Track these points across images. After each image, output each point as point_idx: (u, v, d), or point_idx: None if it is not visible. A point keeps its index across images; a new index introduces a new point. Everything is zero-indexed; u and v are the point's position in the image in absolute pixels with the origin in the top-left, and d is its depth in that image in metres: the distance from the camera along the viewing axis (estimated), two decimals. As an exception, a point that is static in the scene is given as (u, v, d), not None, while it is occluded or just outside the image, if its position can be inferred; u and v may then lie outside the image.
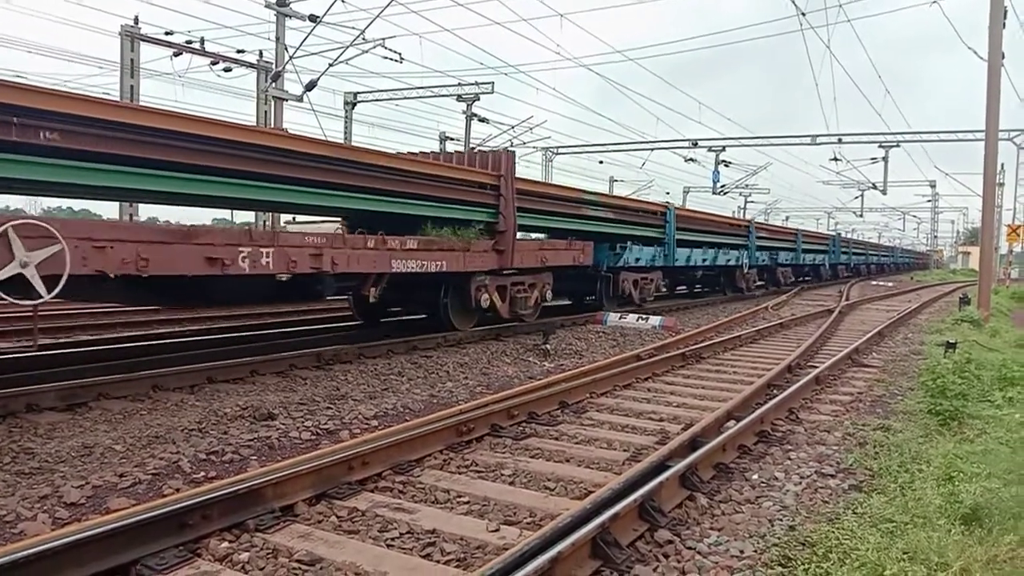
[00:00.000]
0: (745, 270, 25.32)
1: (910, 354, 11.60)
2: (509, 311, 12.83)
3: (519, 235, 13.18)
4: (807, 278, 36.91)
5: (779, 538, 4.06)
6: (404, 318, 13.72)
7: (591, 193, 16.16)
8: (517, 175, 12.92)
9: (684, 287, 25.23)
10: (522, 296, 13.23)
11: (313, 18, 21.28)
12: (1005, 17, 17.01)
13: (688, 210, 23.33)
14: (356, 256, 9.38)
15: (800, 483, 5.10)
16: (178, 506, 3.89)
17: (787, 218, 71.52)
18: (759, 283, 28.38)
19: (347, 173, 9.56)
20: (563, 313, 15.99)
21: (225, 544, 3.89)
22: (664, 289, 20.84)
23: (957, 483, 4.53)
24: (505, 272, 12.66)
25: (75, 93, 7.46)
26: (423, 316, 12.88)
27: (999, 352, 11.09)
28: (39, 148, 6.41)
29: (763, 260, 27.62)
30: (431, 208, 11.15)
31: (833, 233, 44.99)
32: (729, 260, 24.04)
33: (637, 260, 17.52)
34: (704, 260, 22.08)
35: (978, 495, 4.27)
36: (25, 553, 3.28)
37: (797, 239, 32.82)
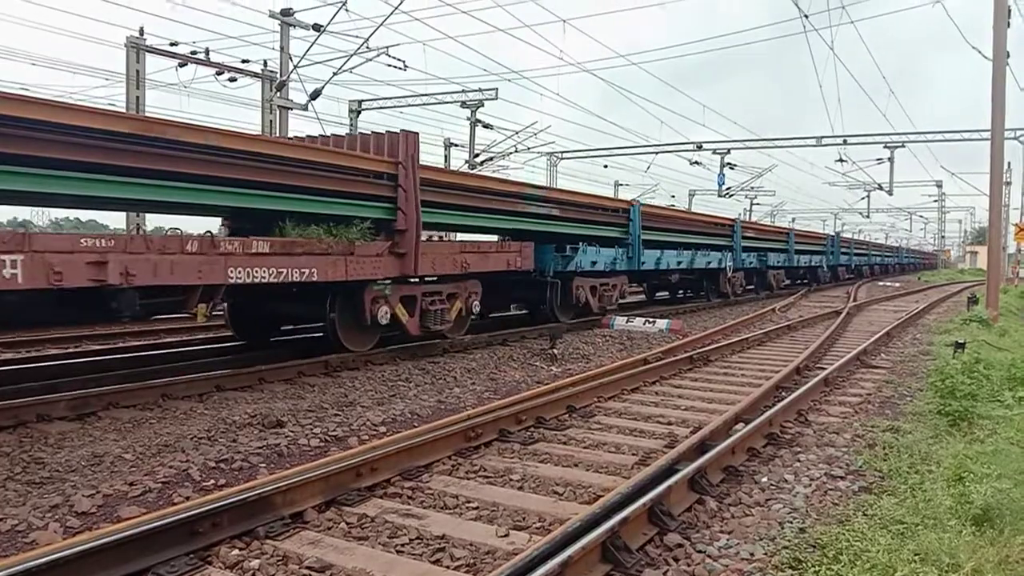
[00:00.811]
0: (729, 273, 23.31)
1: (919, 355, 11.56)
2: (420, 327, 10.68)
3: (450, 236, 13.17)
4: (803, 281, 35.18)
5: (789, 540, 4.05)
6: (299, 336, 11.87)
7: (532, 186, 13.88)
8: (431, 165, 11.34)
9: (666, 293, 23.95)
10: (437, 309, 10.95)
11: (317, 27, 21.37)
12: (1009, 16, 16.96)
13: (657, 207, 20.58)
14: (168, 264, 7.27)
15: (810, 485, 5.08)
16: (188, 514, 3.90)
17: (793, 220, 71.38)
18: (748, 287, 26.78)
19: (144, 155, 7.19)
20: (518, 325, 14.39)
21: (235, 552, 3.90)
22: (627, 296, 18.39)
23: (968, 484, 4.51)
24: (413, 280, 10.75)
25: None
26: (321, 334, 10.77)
27: (1008, 352, 11.03)
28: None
29: (750, 262, 25.66)
30: (299, 203, 8.92)
31: (831, 232, 41.89)
32: (710, 262, 22.04)
33: (593, 264, 15.38)
34: (679, 263, 20.01)
35: (989, 496, 4.25)
36: (37, 563, 3.30)
37: (789, 239, 30.95)
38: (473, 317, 12.18)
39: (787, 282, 31.14)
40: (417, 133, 10.44)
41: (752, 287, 27.25)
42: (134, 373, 8.60)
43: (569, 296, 14.87)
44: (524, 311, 16.31)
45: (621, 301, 17.82)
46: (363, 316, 9.79)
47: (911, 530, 4.07)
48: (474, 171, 13.32)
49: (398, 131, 10.18)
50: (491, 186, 12.78)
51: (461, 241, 12.87)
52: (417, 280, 10.85)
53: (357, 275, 9.45)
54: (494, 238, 14.50)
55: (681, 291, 23.79)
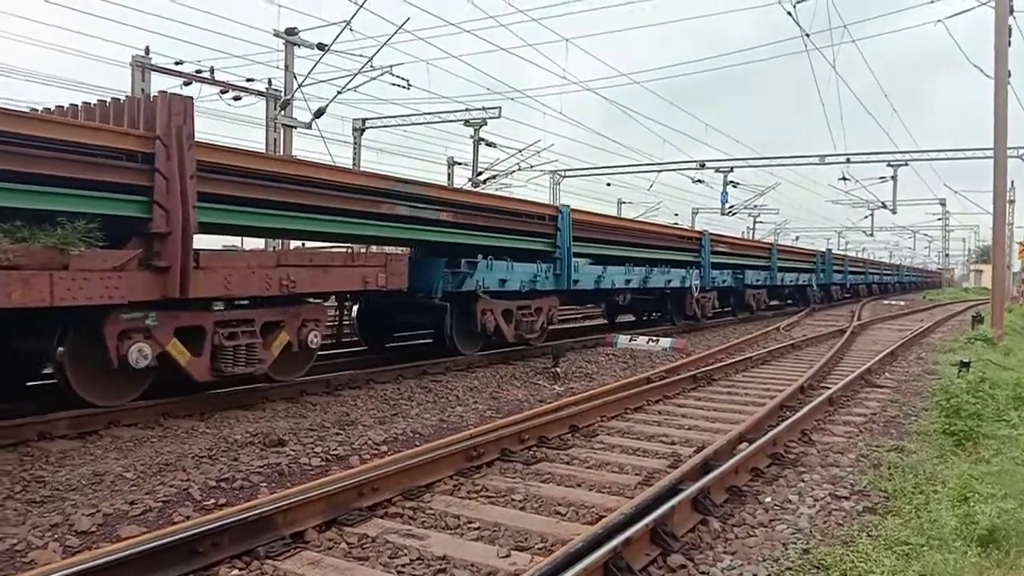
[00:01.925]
0: (696, 293, 20.04)
1: (923, 374, 11.51)
2: (211, 370, 7.86)
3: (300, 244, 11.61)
4: (790, 302, 31.77)
5: (793, 562, 4.02)
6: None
7: (406, 182, 10.59)
8: (221, 145, 8.63)
9: (631, 315, 21.04)
10: (243, 345, 8.06)
11: (321, 46, 21.54)
12: (1010, 35, 17.04)
13: (596, 214, 17.09)
14: None
15: (814, 506, 5.05)
16: (188, 534, 3.89)
17: (797, 238, 71.30)
18: (724, 308, 24.71)
19: None
20: (420, 358, 11.57)
21: (235, 572, 3.88)
22: (556, 321, 14.89)
23: (973, 504, 4.48)
24: (193, 307, 7.72)
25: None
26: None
27: (1014, 371, 10.98)
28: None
29: (724, 280, 22.68)
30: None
31: (822, 249, 38.21)
32: (671, 281, 18.87)
33: (503, 282, 12.34)
34: (628, 281, 16.94)
35: (994, 516, 4.22)
36: (35, 582, 3.27)
37: (771, 255, 27.57)
38: (315, 350, 9.20)
39: (770, 303, 28.05)
40: (190, 98, 7.73)
41: (729, 308, 25.13)
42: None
43: (472, 322, 11.82)
44: (429, 340, 13.07)
45: (552, 327, 14.71)
46: (108, 356, 6.95)
47: (916, 551, 4.04)
48: (307, 161, 10.25)
49: (170, 93, 7.48)
50: (329, 178, 9.31)
51: (280, 251, 9.50)
52: (220, 306, 7.93)
53: (74, 299, 6.49)
54: (399, 249, 12.82)
55: (652, 313, 20.76)
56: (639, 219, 21.09)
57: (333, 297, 10.68)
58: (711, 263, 21.23)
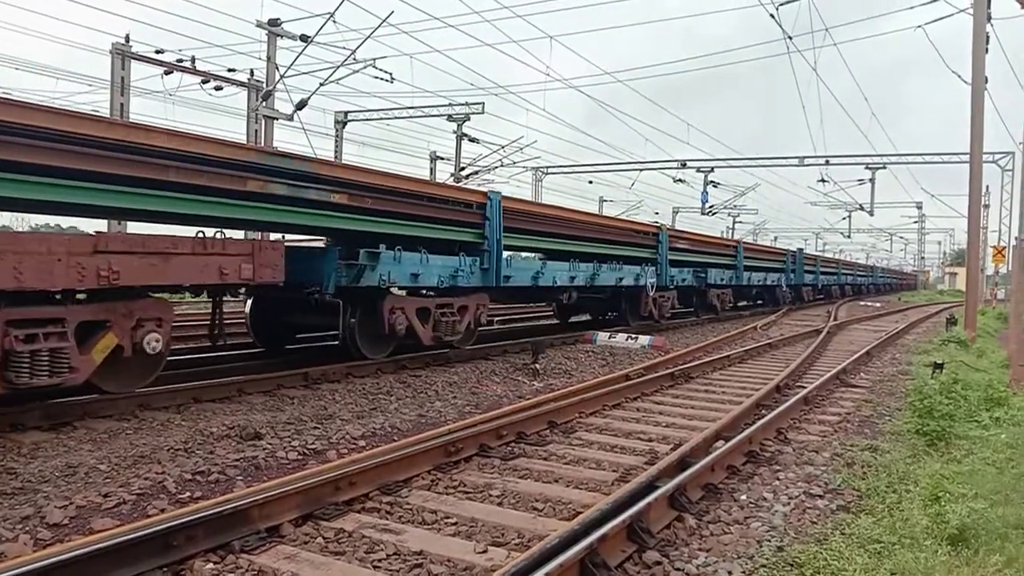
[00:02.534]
0: (651, 292, 18.70)
1: (897, 374, 11.65)
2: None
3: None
4: (758, 302, 30.95)
5: (767, 559, 4.06)
6: None
7: (283, 156, 9.23)
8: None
9: (588, 315, 19.91)
10: (43, 350, 6.52)
11: (304, 38, 21.40)
12: (988, 42, 17.27)
13: (535, 204, 15.57)
14: None
15: (788, 504, 5.10)
16: (163, 527, 3.85)
17: (775, 238, 71.88)
18: (686, 308, 23.55)
19: None
20: (321, 362, 10.20)
21: (210, 566, 3.85)
22: (486, 320, 13.49)
23: (944, 503, 4.54)
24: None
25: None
26: None
27: (986, 372, 11.15)
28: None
29: (683, 279, 21.33)
30: None
31: (792, 248, 37.05)
32: (623, 278, 17.48)
33: (416, 276, 10.84)
34: (573, 278, 15.44)
35: (965, 515, 4.29)
36: None
37: (737, 253, 26.31)
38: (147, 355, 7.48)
39: (732, 303, 26.37)
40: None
41: (691, 308, 23.91)
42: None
43: (378, 323, 10.37)
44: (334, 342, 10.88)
45: (484, 328, 13.56)
46: None
47: (888, 549, 4.10)
48: (136, 124, 7.99)
49: None
50: (169, 145, 7.55)
51: (101, 234, 7.34)
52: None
53: None
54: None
55: (609, 313, 19.40)
56: (587, 211, 18.51)
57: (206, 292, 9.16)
58: (669, 260, 19.92)
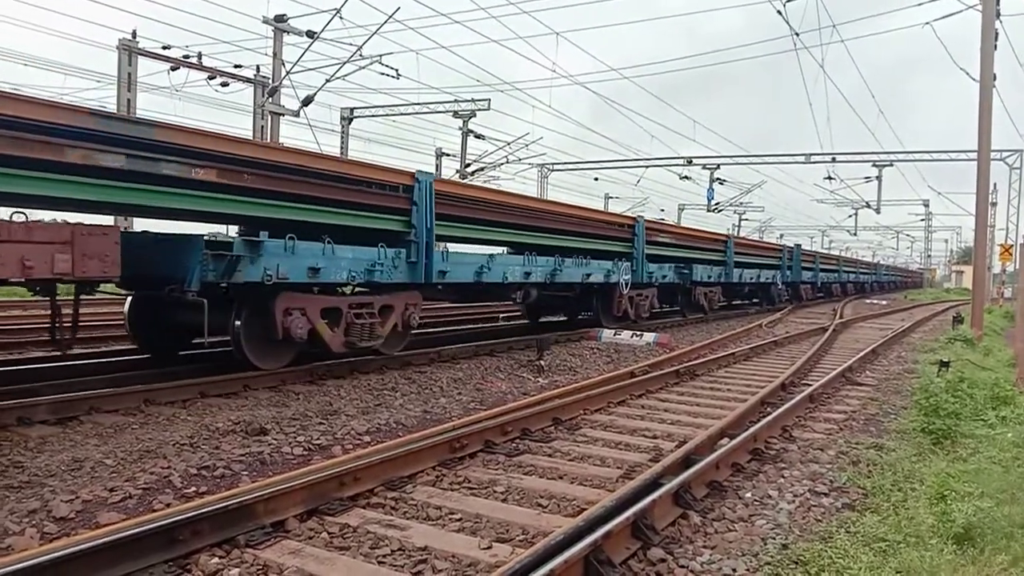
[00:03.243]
0: (624, 290, 17.03)
1: (903, 373, 11.62)
2: None
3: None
4: (752, 300, 29.47)
5: (772, 557, 4.05)
6: None
7: (118, 120, 7.76)
8: None
9: (563, 315, 18.38)
10: None
11: (311, 34, 21.42)
12: (996, 39, 17.18)
13: (478, 188, 13.83)
14: None
15: (793, 501, 5.09)
16: (168, 521, 3.87)
17: (781, 236, 71.81)
18: (669, 308, 22.18)
19: None
20: (209, 373, 8.78)
21: (215, 560, 3.86)
22: (417, 322, 11.17)
23: (950, 502, 4.54)
24: None
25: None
26: None
27: (992, 371, 11.11)
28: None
29: (664, 276, 19.64)
30: None
31: (789, 244, 34.97)
32: (591, 275, 15.73)
33: (316, 271, 8.99)
34: (528, 274, 13.55)
35: (971, 514, 4.28)
36: (11, 569, 3.25)
37: (727, 249, 24.22)
38: None
39: (723, 301, 24.78)
40: None
41: (677, 308, 22.34)
42: (117, 377, 8.51)
43: (268, 325, 8.78)
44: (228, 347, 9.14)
45: (416, 332, 11.54)
46: None
47: (893, 548, 4.09)
48: None
49: None
50: None
51: None
52: None
53: None
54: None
55: (583, 312, 17.88)
56: (546, 199, 17.05)
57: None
58: (647, 255, 18.16)
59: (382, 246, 10.07)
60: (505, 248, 14.58)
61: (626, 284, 17.03)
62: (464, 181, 14.11)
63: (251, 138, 10.94)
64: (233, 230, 9.92)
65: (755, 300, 29.60)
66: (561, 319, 18.46)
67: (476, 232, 12.58)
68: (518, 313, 19.39)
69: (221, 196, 8.14)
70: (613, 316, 17.13)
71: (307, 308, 9.12)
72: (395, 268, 10.30)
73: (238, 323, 8.74)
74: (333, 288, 9.94)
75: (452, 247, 13.07)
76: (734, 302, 27.82)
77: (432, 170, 34.05)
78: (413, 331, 11.30)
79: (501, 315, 20.21)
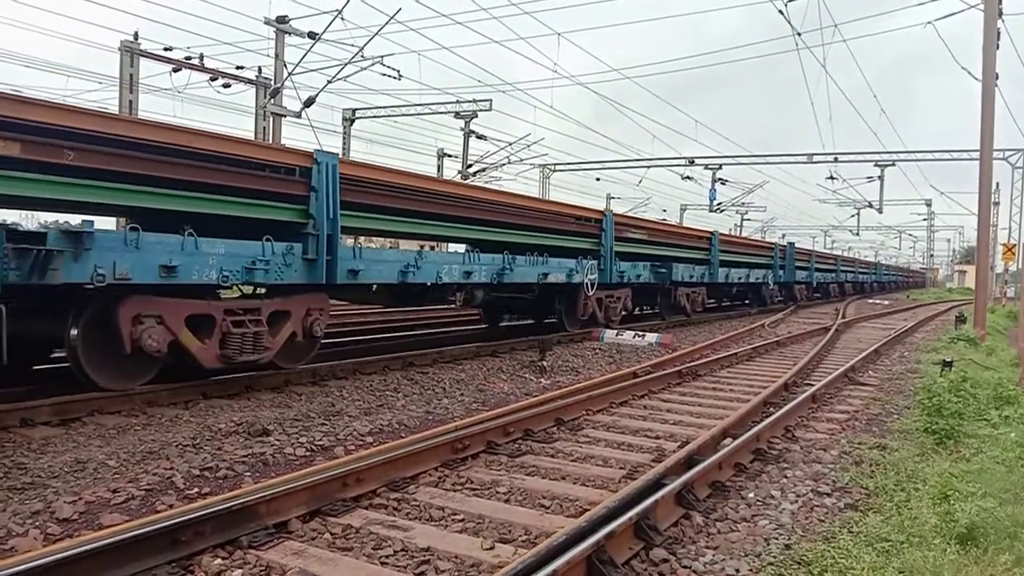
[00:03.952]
0: (590, 291, 15.24)
1: (906, 372, 11.60)
2: None
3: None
4: (744, 302, 28.18)
5: (775, 557, 4.05)
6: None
7: None
8: None
9: (529, 318, 16.73)
10: None
11: (312, 35, 21.43)
12: (999, 38, 17.17)
13: (402, 173, 11.33)
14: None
15: (796, 501, 5.08)
16: (171, 522, 3.87)
17: (783, 236, 71.70)
18: (648, 310, 20.91)
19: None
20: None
21: (218, 561, 3.87)
22: (322, 331, 9.39)
23: (953, 502, 4.53)
24: None
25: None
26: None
27: (995, 371, 11.10)
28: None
29: (637, 275, 17.90)
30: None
31: (782, 243, 33.32)
32: (547, 274, 13.85)
33: (172, 270, 7.37)
34: (469, 273, 11.86)
35: (974, 514, 4.27)
36: (14, 570, 3.25)
37: (712, 246, 22.62)
38: None
39: (720, 303, 23.10)
40: None
41: (657, 309, 20.86)
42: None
43: (113, 333, 7.21)
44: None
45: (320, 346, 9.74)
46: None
47: (896, 548, 4.08)
48: None
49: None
50: None
51: None
52: None
53: None
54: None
55: (551, 317, 15.91)
56: (491, 188, 14.22)
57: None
58: (617, 253, 16.52)
59: (268, 239, 8.29)
60: (466, 245, 13.45)
61: (592, 285, 15.28)
62: (383, 165, 11.42)
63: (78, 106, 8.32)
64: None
65: (746, 302, 28.40)
66: (527, 322, 16.81)
67: (401, 225, 10.89)
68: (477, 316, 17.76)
69: (25, 177, 6.35)
70: (578, 319, 15.53)
71: (165, 315, 7.51)
72: (286, 266, 8.56)
73: (74, 333, 7.13)
74: (209, 291, 8.15)
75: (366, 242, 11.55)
76: (724, 303, 26.98)
77: (434, 171, 34.08)
78: (324, 340, 9.78)
79: (448, 319, 18.57)
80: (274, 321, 8.71)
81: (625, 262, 17.20)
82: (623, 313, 17.55)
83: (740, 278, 25.48)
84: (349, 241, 10.96)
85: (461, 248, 13.75)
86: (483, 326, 16.97)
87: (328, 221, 8.90)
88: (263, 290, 8.98)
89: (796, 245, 34.04)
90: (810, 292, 35.60)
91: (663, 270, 19.29)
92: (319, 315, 9.31)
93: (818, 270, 36.55)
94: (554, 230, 14.49)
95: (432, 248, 12.49)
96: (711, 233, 23.36)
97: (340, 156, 9.23)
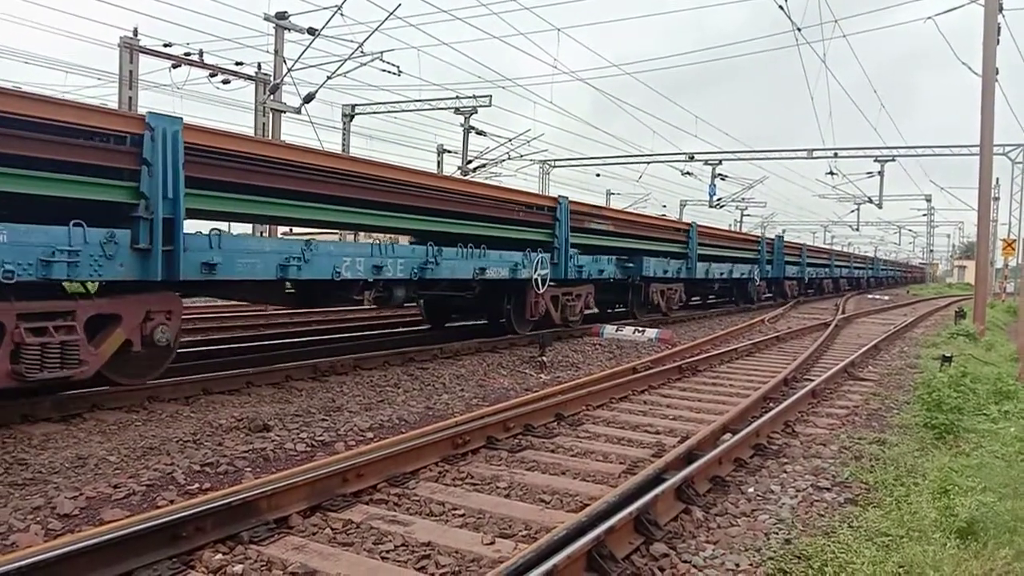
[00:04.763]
0: (540, 288, 13.30)
1: (906, 367, 11.61)
2: None
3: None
4: (729, 298, 26.92)
5: (775, 551, 4.05)
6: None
7: None
8: None
9: (483, 319, 15.00)
10: None
11: (312, 31, 21.43)
12: (999, 33, 17.15)
13: (272, 145, 10.33)
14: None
15: (796, 496, 5.09)
16: (172, 518, 3.87)
17: (783, 231, 71.72)
18: (614, 307, 19.23)
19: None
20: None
21: (219, 556, 3.88)
22: (170, 339, 7.56)
23: (953, 497, 4.53)
24: None
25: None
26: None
27: (994, 366, 11.11)
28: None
29: (601, 271, 16.04)
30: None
31: (770, 236, 31.37)
32: (486, 269, 11.96)
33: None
34: (379, 269, 9.85)
35: (974, 509, 4.27)
36: (16, 565, 3.26)
37: (690, 238, 20.67)
38: None
39: (681, 300, 20.91)
40: None
41: (623, 307, 19.07)
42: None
43: None
44: None
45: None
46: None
47: (896, 542, 4.09)
48: None
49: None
50: None
51: None
52: None
53: None
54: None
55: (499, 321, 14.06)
56: (411, 168, 10.80)
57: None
58: (575, 244, 14.71)
59: (78, 224, 6.55)
60: (411, 237, 12.07)
61: (543, 281, 13.38)
62: (249, 135, 10.13)
63: None
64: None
65: (731, 299, 27.09)
66: (480, 322, 15.10)
67: (274, 209, 8.73)
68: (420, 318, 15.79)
69: None
70: (526, 321, 13.62)
71: None
72: (107, 259, 6.79)
73: None
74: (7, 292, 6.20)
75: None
76: (710, 300, 25.81)
77: (434, 167, 34.05)
78: (179, 349, 8.19)
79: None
80: (98, 327, 7.02)
81: (585, 256, 15.47)
82: (584, 312, 15.70)
83: (722, 273, 23.81)
84: (252, 230, 9.15)
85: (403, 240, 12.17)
86: (424, 328, 15.07)
87: (166, 201, 7.13)
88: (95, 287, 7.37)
89: (784, 238, 32.55)
90: (801, 288, 34.25)
91: (631, 264, 17.47)
92: (165, 319, 7.47)
93: (810, 265, 35.14)
94: (496, 218, 12.43)
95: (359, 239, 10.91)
96: (688, 225, 21.68)
97: (187, 122, 7.37)
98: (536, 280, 13.21)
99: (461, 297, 13.09)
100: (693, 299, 24.78)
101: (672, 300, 20.08)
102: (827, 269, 39.74)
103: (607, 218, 16.63)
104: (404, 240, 12.83)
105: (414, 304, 12.21)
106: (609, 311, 19.33)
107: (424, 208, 10.73)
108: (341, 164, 9.53)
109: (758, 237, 29.88)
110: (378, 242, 9.76)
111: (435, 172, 13.65)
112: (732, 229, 30.21)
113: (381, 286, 10.53)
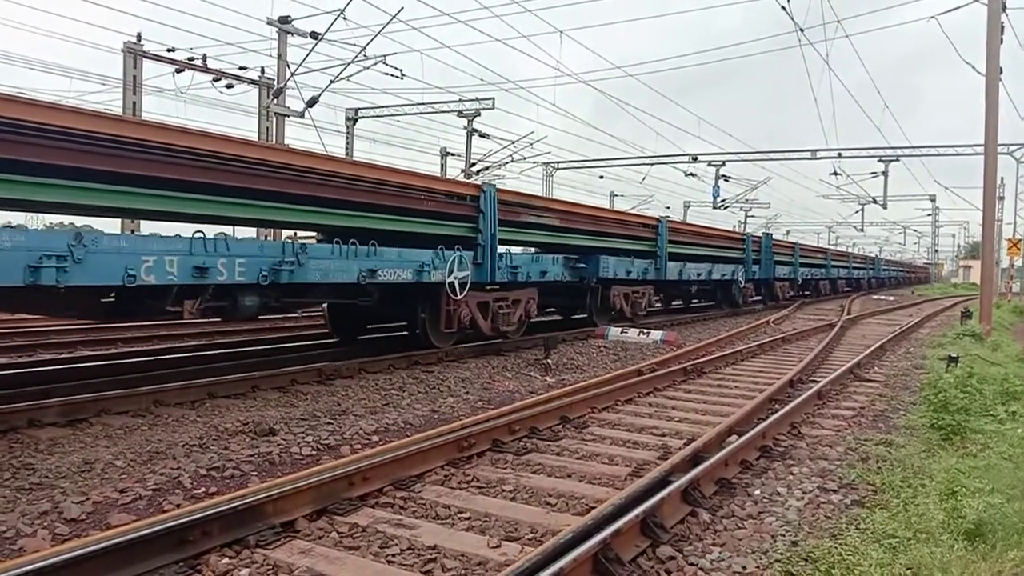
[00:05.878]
0: (459, 294, 11.17)
1: (912, 368, 11.57)
2: None
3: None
4: (711, 302, 24.70)
5: (781, 554, 4.04)
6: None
7: None
8: None
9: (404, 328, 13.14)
10: None
11: (315, 35, 21.45)
12: (1002, 32, 17.10)
13: (54, 108, 6.73)
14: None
15: (802, 498, 5.08)
16: (178, 522, 3.88)
17: (787, 232, 71.58)
18: (577, 314, 16.72)
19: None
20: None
21: (225, 560, 3.88)
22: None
23: (960, 498, 4.52)
24: None
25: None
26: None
27: (1001, 366, 11.06)
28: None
29: (543, 273, 13.72)
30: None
31: (756, 234, 28.79)
32: (378, 271, 9.75)
33: None
34: (204, 272, 7.61)
35: (981, 510, 4.26)
36: (24, 570, 3.27)
37: (659, 236, 18.38)
38: None
39: (688, 304, 19.42)
40: None
41: (585, 314, 16.40)
42: (126, 379, 8.54)
43: None
44: None
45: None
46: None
47: (903, 544, 4.07)
48: None
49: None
50: None
51: None
52: None
53: None
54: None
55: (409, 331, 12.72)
56: (271, 145, 9.56)
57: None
58: (503, 241, 12.72)
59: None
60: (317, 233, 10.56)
61: (462, 286, 11.27)
62: (92, 110, 7.38)
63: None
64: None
65: (713, 302, 24.96)
66: (399, 333, 13.21)
67: (58, 193, 6.60)
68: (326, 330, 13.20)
69: None
70: (440, 332, 11.47)
71: None
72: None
73: None
74: None
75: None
76: (692, 303, 24.14)
77: (437, 170, 34.06)
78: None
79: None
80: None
81: (522, 256, 13.80)
82: (526, 321, 13.51)
83: (700, 274, 21.37)
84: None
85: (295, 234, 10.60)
86: (331, 341, 12.60)
87: None
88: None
89: (773, 237, 30.00)
90: (795, 290, 32.04)
91: (583, 265, 15.07)
92: None
93: (804, 265, 32.58)
94: (393, 208, 10.12)
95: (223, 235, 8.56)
96: (657, 220, 19.14)
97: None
98: (454, 285, 11.15)
99: (364, 306, 10.68)
100: (674, 303, 23.52)
101: (638, 305, 17.92)
102: (823, 270, 37.29)
103: (550, 210, 13.98)
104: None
105: (236, 316, 8.82)
106: (559, 318, 17.59)
107: (287, 193, 8.55)
108: (149, 135, 7.16)
109: (743, 234, 27.34)
110: (201, 235, 7.71)
111: (319, 154, 10.58)
112: (710, 226, 26.87)
113: (211, 293, 7.99)
